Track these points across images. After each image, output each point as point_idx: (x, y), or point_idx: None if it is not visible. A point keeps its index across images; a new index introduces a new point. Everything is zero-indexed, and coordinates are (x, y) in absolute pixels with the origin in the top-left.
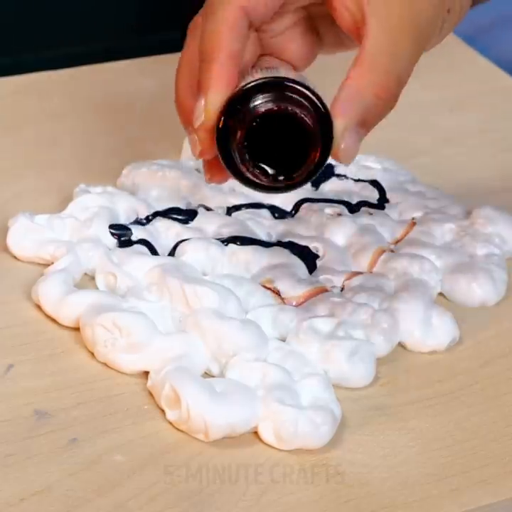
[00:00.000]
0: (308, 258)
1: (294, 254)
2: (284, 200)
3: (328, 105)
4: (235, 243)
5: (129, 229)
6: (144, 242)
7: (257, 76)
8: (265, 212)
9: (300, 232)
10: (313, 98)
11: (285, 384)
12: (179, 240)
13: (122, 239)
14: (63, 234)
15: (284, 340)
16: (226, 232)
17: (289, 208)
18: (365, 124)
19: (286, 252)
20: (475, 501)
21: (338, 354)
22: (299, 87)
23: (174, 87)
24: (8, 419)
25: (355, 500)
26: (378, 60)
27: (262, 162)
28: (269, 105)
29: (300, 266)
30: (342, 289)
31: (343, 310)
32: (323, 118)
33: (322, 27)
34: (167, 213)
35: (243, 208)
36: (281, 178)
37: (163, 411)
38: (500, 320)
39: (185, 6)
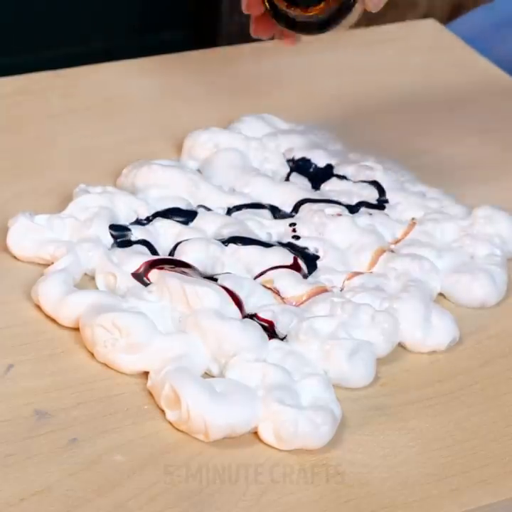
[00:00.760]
0: (308, 258)
1: (294, 254)
2: (285, 200)
3: None
4: (235, 243)
5: (129, 229)
6: (143, 242)
7: None
8: (265, 212)
9: (300, 232)
10: None
11: (285, 384)
12: (179, 240)
13: (119, 240)
14: (63, 234)
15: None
16: (226, 233)
17: (289, 208)
18: None
19: (286, 252)
20: (475, 501)
21: (338, 354)
22: None
23: None
24: (8, 419)
25: (355, 500)
26: None
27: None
28: None
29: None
30: (342, 289)
31: (343, 310)
32: None
33: None
34: (167, 213)
35: (243, 208)
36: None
37: (163, 411)
38: (500, 320)
39: (185, 6)
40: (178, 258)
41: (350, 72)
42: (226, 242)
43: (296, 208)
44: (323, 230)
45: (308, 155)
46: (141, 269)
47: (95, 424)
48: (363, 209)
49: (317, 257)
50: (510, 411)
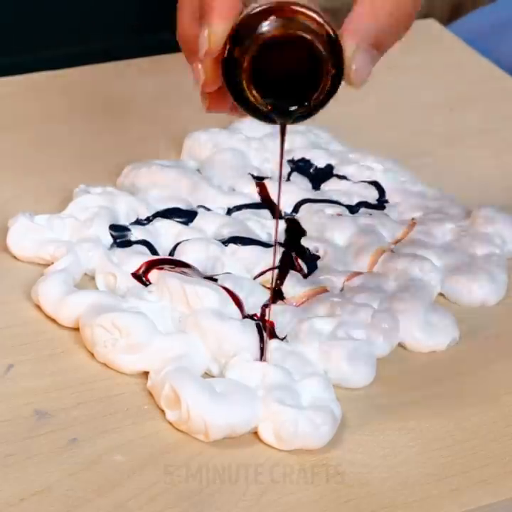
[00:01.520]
0: (308, 258)
1: (294, 254)
2: (285, 200)
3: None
4: (235, 243)
5: (129, 229)
6: (143, 242)
7: (261, 1)
8: (265, 212)
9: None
10: (321, 21)
11: (285, 384)
12: (179, 240)
13: (119, 240)
14: (63, 234)
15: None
16: (226, 233)
17: (289, 208)
18: (379, 45)
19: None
20: (475, 501)
21: (338, 354)
22: (305, 11)
23: (177, 18)
24: (8, 419)
25: (355, 500)
26: None
27: (269, 91)
28: (276, 30)
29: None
30: (342, 289)
31: (343, 310)
32: (333, 41)
33: None
34: (167, 214)
35: (243, 208)
36: (293, 108)
37: (163, 411)
38: (500, 320)
39: None
40: (178, 258)
41: None
42: (226, 242)
43: (296, 208)
44: (323, 230)
45: (308, 155)
46: (141, 270)
47: (95, 424)
48: (362, 209)
49: (317, 257)
50: (510, 411)
